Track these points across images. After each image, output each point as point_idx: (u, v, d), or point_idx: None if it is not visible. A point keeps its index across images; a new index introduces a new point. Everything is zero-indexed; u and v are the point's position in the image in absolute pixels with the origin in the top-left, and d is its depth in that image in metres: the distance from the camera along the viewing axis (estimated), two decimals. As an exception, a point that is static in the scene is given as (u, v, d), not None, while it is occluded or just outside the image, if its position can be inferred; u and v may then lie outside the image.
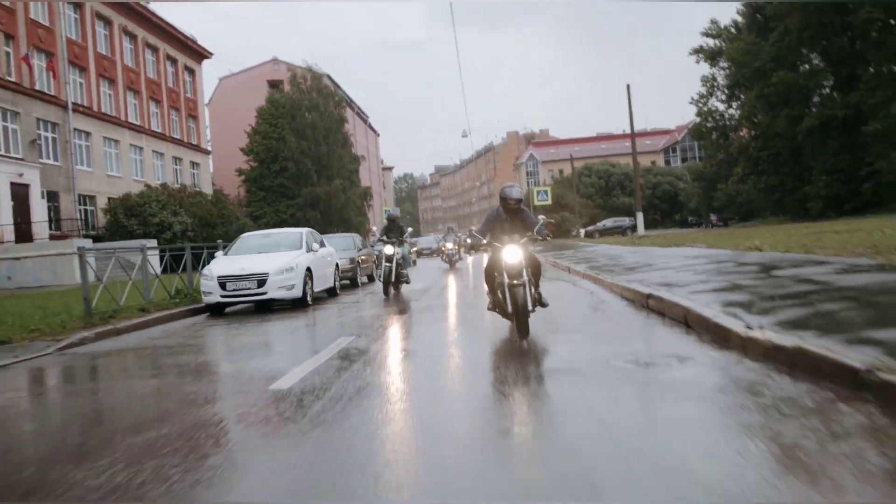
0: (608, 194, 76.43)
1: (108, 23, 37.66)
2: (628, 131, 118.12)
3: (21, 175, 29.13)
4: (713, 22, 52.13)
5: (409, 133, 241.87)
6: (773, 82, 41.82)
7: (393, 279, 13.81)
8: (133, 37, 40.04)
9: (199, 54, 48.91)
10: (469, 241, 8.38)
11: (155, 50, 42.50)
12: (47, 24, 32.48)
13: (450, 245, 26.45)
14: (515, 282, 6.95)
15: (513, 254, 7.04)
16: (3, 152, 28.67)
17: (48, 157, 31.80)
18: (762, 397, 4.02)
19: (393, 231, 14.52)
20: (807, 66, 44.14)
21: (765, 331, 5.03)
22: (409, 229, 16.31)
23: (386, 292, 13.69)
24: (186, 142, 45.93)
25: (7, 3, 29.88)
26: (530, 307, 6.98)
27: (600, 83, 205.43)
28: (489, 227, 7.66)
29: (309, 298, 12.92)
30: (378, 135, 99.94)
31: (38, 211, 30.08)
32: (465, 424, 4.20)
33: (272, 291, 12.20)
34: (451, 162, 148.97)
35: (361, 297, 14.79)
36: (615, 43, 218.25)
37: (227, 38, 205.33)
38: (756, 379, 4.40)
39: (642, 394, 4.48)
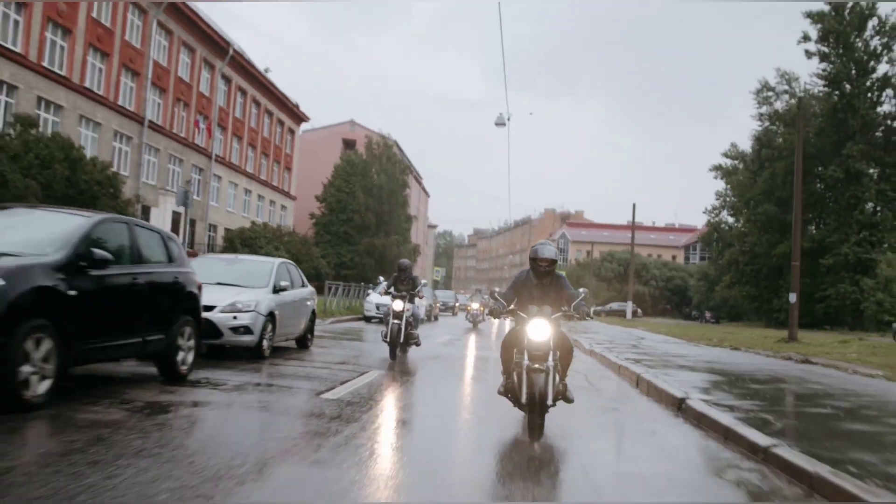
0: (625, 280, 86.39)
1: (244, 93, 49.43)
2: (658, 224, 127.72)
3: (143, 197, 40.44)
4: (733, 145, 62.89)
5: (450, 190, 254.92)
6: (759, 212, 52.43)
7: (401, 340, 12.50)
8: (258, 104, 51.82)
9: (300, 118, 60.75)
10: (491, 303, 6.97)
11: (270, 114, 54.31)
12: (208, 94, 44.16)
13: (475, 305, 28.57)
14: (537, 366, 6.02)
15: (540, 330, 6.10)
16: (170, 188, 40.03)
17: (197, 195, 43.11)
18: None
19: (403, 283, 12.97)
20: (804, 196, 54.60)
21: (594, 351, 15.53)
22: (424, 281, 13.40)
23: (392, 355, 12.43)
24: (281, 188, 57.49)
25: (187, 80, 41.58)
26: (550, 401, 6.11)
27: (644, 168, 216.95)
28: (516, 292, 6.77)
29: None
30: (429, 196, 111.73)
31: (185, 235, 41.22)
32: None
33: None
34: (489, 226, 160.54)
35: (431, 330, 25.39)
36: (663, 131, 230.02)
37: (282, 70, 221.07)
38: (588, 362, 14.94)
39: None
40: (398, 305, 12.41)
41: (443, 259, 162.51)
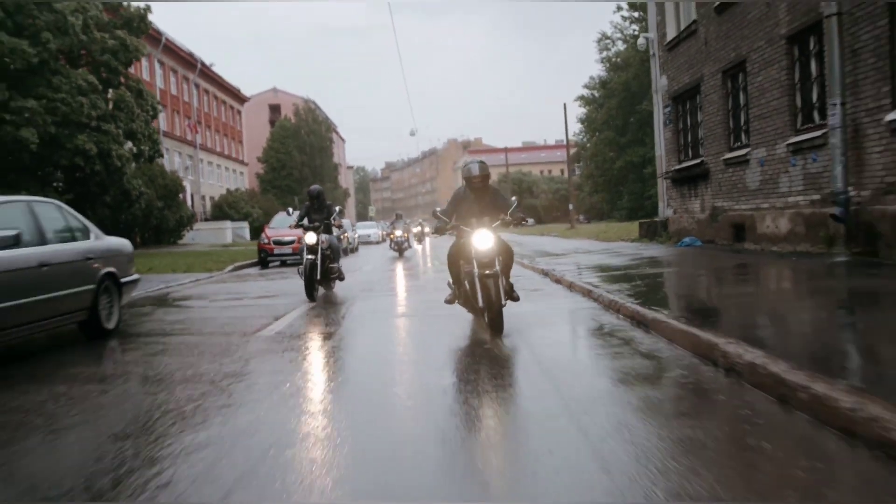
0: (519, 197, 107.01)
1: (207, 92, 66.65)
2: (549, 141, 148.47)
3: (186, 186, 58.24)
4: (591, 77, 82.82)
5: (355, 123, 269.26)
6: (602, 137, 73.24)
7: (318, 276, 11.32)
8: (216, 98, 69.14)
9: (242, 100, 78.06)
10: (434, 221, 7.73)
11: (224, 103, 71.69)
12: (188, 101, 61.39)
13: (398, 232, 27.15)
14: (487, 272, 6.67)
15: (484, 239, 6.76)
16: (181, 174, 57.71)
17: (191, 175, 60.82)
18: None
19: (317, 212, 11.90)
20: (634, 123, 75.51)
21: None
22: (338, 207, 12.57)
23: (310, 294, 11.15)
24: (237, 158, 75.29)
25: (175, 93, 58.72)
26: (503, 301, 6.85)
27: (539, 81, 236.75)
28: (455, 208, 7.41)
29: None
30: (344, 141, 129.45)
31: (190, 206, 59.06)
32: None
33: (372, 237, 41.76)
34: (399, 158, 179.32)
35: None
36: (549, 42, 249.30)
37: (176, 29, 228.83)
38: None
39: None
40: (311, 238, 11.33)
41: (360, 194, 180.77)
